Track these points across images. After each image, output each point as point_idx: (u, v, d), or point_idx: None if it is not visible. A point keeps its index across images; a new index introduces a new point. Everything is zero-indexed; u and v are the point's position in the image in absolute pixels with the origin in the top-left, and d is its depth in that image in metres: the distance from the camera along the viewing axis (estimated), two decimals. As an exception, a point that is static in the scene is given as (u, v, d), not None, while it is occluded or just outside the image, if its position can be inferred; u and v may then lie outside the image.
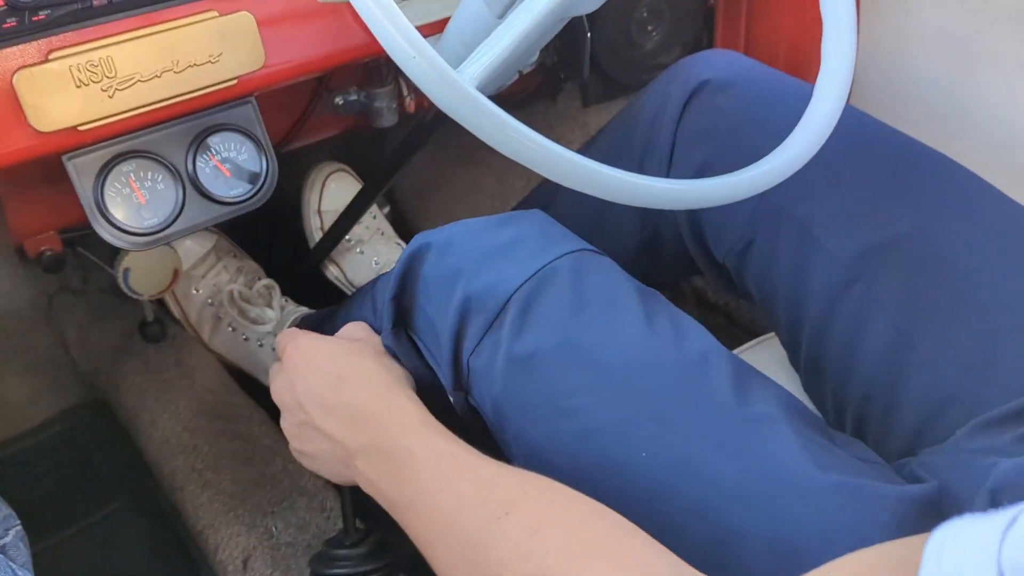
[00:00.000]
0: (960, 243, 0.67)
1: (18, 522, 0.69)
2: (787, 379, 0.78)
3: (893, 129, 0.76)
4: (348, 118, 1.05)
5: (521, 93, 1.25)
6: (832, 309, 0.70)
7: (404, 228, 1.30)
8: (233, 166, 0.76)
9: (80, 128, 0.67)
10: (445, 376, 0.66)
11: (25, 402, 1.15)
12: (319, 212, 1.18)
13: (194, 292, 1.11)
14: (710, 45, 1.22)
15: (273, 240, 1.19)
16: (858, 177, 0.72)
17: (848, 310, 0.69)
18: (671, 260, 0.88)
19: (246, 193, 0.77)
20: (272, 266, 1.16)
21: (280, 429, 0.70)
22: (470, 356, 0.63)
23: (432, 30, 0.78)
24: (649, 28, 1.16)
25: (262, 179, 0.77)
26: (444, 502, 0.53)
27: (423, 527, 0.55)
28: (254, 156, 0.77)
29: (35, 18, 0.65)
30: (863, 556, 0.39)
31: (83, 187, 0.71)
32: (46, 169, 0.70)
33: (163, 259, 0.99)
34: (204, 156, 0.75)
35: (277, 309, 1.10)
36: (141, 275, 0.97)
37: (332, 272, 1.18)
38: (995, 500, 0.53)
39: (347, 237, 1.15)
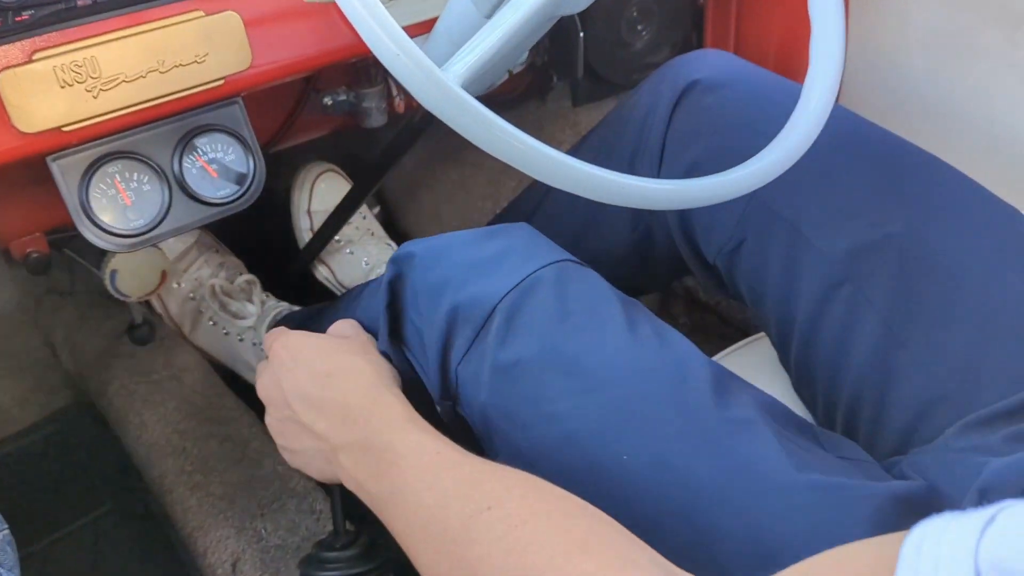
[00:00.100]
0: (950, 243, 0.67)
1: (6, 526, 0.68)
2: (778, 379, 0.78)
3: (883, 129, 0.76)
4: (337, 118, 1.04)
5: (511, 93, 1.25)
6: (822, 309, 0.70)
7: (394, 228, 1.30)
8: (220, 167, 0.76)
9: (65, 129, 0.67)
10: (433, 386, 0.66)
11: (13, 405, 1.15)
12: (309, 212, 1.18)
13: (175, 286, 1.11)
14: (700, 45, 1.22)
15: (263, 241, 1.18)
16: (848, 177, 0.72)
17: (838, 310, 0.69)
18: (664, 261, 0.88)
19: (233, 194, 0.76)
20: (261, 266, 1.15)
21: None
22: (458, 366, 0.63)
23: (420, 30, 0.78)
24: (639, 27, 1.15)
25: (249, 180, 0.77)
26: (428, 498, 0.53)
27: (406, 523, 0.54)
28: (241, 157, 0.76)
29: (18, 18, 0.64)
30: (841, 552, 0.39)
31: (68, 188, 0.70)
32: (31, 170, 0.69)
33: (150, 261, 0.98)
34: (191, 157, 0.74)
35: (258, 304, 1.09)
36: (128, 277, 0.97)
37: (322, 272, 1.17)
38: (984, 499, 0.53)
39: (337, 237, 1.15)
